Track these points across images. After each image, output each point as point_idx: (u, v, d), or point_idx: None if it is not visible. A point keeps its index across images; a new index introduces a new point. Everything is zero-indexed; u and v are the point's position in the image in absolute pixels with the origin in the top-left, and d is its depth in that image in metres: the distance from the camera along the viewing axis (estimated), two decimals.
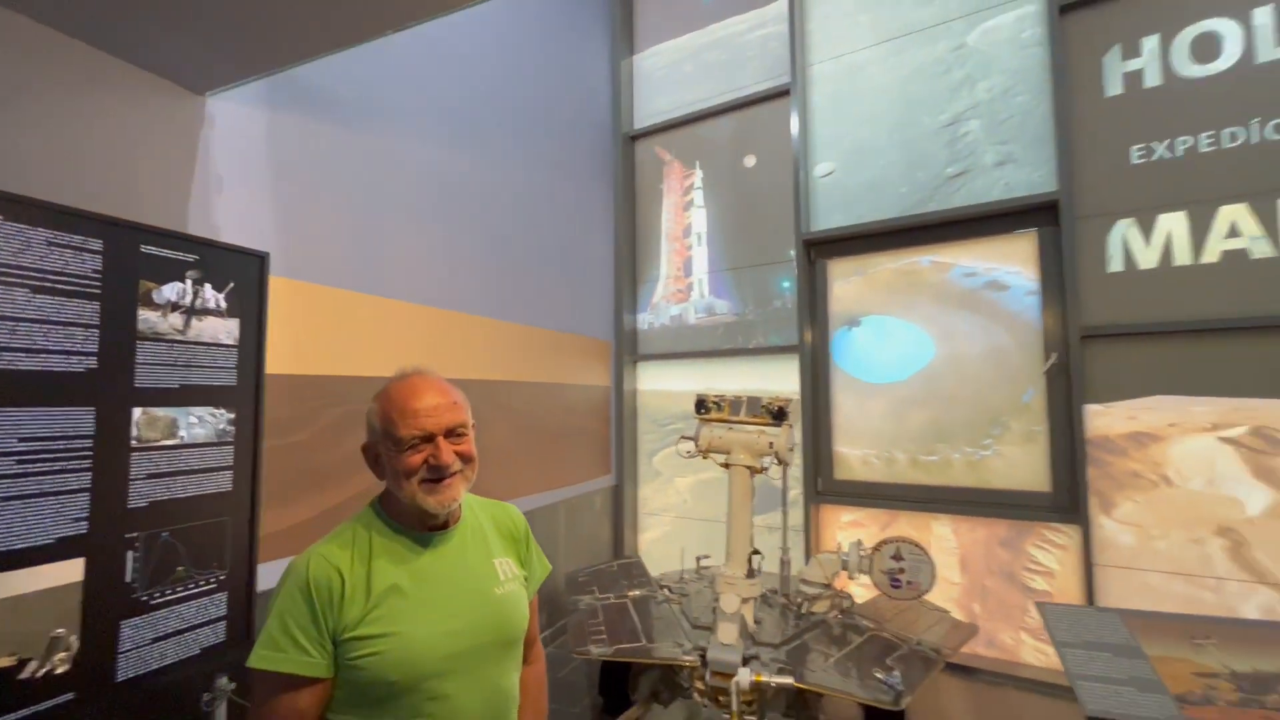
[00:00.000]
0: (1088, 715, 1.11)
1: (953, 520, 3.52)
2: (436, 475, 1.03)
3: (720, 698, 2.20)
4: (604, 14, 4.90)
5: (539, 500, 3.75)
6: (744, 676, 2.08)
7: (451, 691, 0.97)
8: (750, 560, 2.47)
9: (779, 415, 2.50)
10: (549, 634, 3.90)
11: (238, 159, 2.09)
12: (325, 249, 2.39)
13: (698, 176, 4.63)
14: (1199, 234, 2.98)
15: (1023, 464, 3.37)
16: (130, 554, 1.63)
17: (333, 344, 2.39)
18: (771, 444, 2.48)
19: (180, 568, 1.74)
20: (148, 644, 1.65)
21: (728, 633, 2.26)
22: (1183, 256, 3.02)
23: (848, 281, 3.96)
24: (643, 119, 4.89)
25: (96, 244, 1.57)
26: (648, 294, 4.84)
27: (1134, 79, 3.15)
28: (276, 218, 2.20)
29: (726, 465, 2.58)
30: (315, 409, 2.34)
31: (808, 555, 3.81)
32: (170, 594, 1.71)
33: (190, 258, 1.80)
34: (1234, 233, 2.91)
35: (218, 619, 1.83)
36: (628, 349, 4.75)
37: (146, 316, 1.68)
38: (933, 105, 3.68)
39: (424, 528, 1.07)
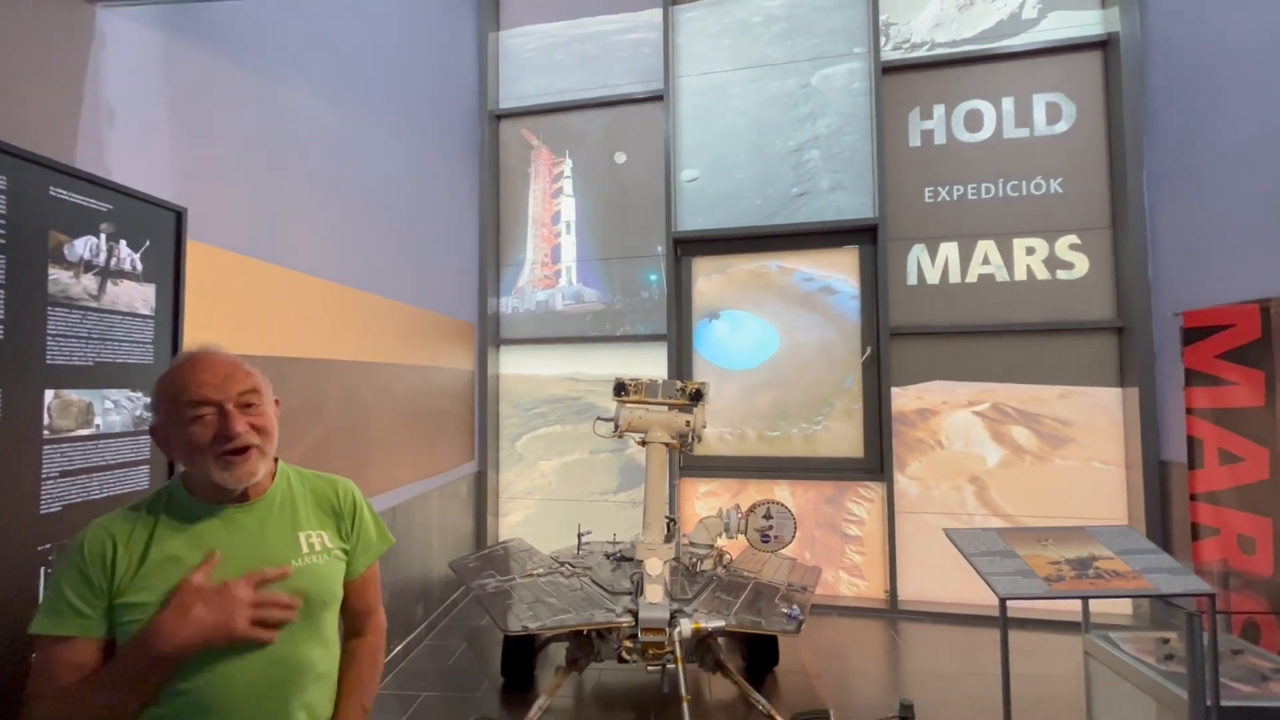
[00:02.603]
0: (1001, 597, 1.61)
1: (790, 484, 4.20)
2: (229, 446, 1.01)
3: (650, 651, 2.44)
4: None
5: (417, 489, 3.57)
6: (685, 626, 2.35)
7: (216, 661, 0.98)
8: (669, 527, 2.73)
9: (696, 396, 2.79)
10: (437, 616, 3.75)
11: (132, 89, 1.72)
12: (225, 208, 2.05)
13: (567, 165, 4.72)
14: (965, 260, 3.99)
15: (844, 436, 4.17)
16: (44, 571, 1.32)
17: (231, 317, 2.08)
18: (688, 422, 2.76)
19: None
20: None
21: (655, 593, 2.50)
22: (954, 276, 4.01)
23: (709, 278, 4.44)
24: (509, 99, 4.82)
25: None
26: (511, 278, 4.81)
27: (928, 136, 4.08)
28: (175, 166, 1.85)
29: (644, 443, 2.80)
30: None
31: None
32: None
33: (104, 207, 1.48)
34: (986, 261, 3.97)
35: None
36: (491, 332, 4.68)
37: (58, 277, 1.36)
38: (783, 132, 4.30)
39: (220, 501, 1.06)
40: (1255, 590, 2.66)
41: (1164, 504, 3.50)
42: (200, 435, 1.01)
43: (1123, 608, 3.66)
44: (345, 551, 1.17)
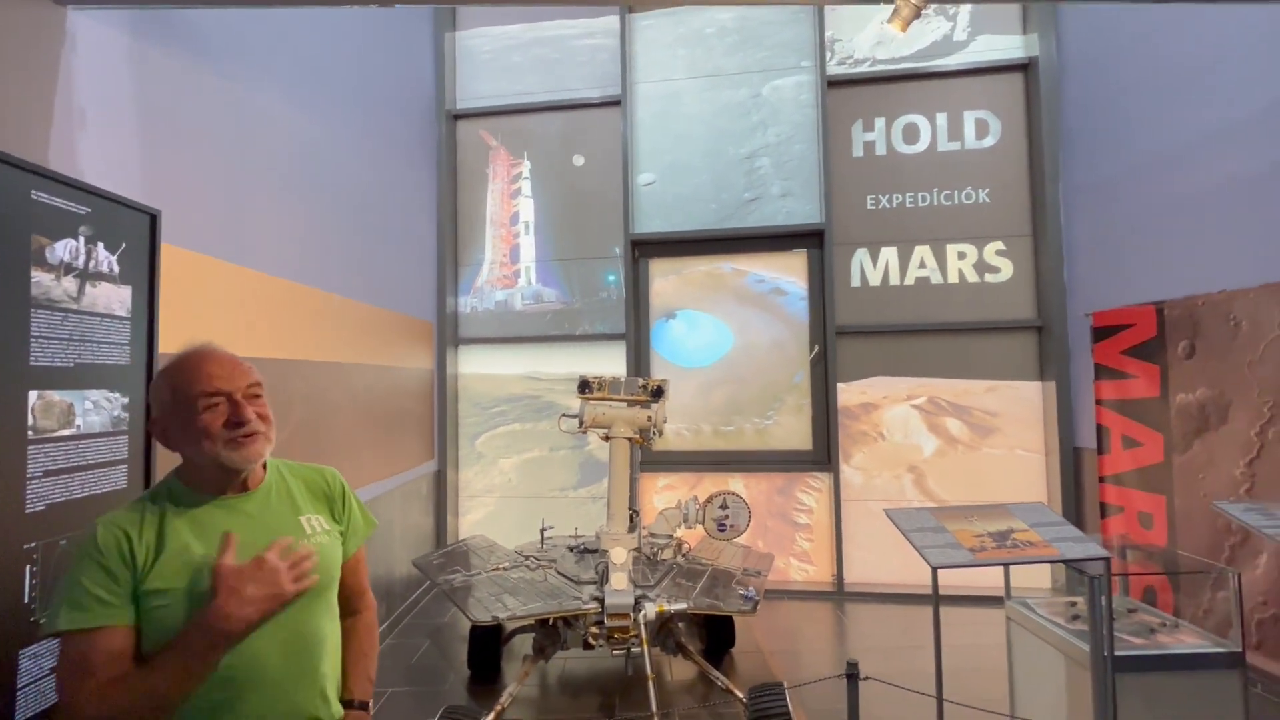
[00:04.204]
0: (933, 566, 1.81)
1: (744, 476, 4.40)
2: (240, 430, 1.08)
3: (615, 636, 2.56)
4: None
5: (378, 489, 3.59)
6: (650, 610, 2.48)
7: (247, 639, 1.04)
8: (631, 519, 2.86)
9: (657, 393, 2.93)
10: (400, 614, 3.77)
11: (102, 92, 1.72)
12: (193, 210, 2.06)
13: (526, 167, 4.79)
14: (903, 264, 4.28)
15: (794, 429, 4.40)
16: (29, 569, 1.34)
17: (200, 318, 2.08)
18: (650, 418, 2.90)
19: None
20: (46, 675, 1.38)
21: (620, 580, 2.62)
22: (894, 279, 4.29)
23: (666, 279, 4.59)
24: (466, 100, 4.84)
25: None
26: (470, 277, 4.83)
27: (870, 147, 4.34)
28: (144, 169, 1.86)
29: (607, 438, 2.92)
30: None
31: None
32: None
33: (83, 210, 1.49)
34: (922, 265, 4.26)
35: None
36: (450, 331, 4.69)
37: (39, 279, 1.37)
38: (736, 139, 4.49)
39: (222, 492, 1.12)
40: (1153, 559, 3.01)
41: (1077, 486, 3.87)
42: (212, 422, 1.06)
43: (1043, 581, 4.02)
44: (341, 533, 1.25)
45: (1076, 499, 3.87)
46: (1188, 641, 1.98)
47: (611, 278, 4.63)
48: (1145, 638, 2.01)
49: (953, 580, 3.92)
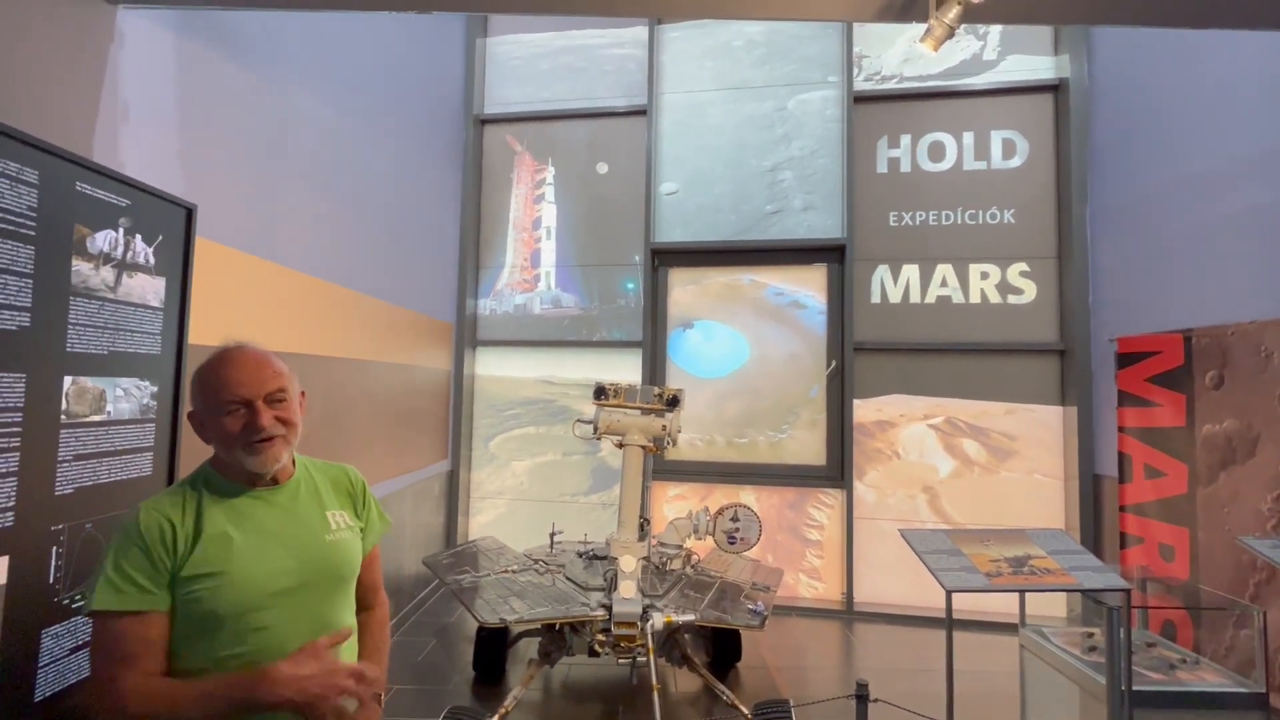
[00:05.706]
0: (947, 590, 1.79)
1: (756, 489, 4.37)
2: (255, 437, 1.11)
3: (622, 644, 2.55)
4: None
5: (391, 486, 3.62)
6: (657, 620, 2.47)
7: (274, 622, 1.08)
8: (642, 527, 2.86)
9: (672, 402, 2.93)
10: (408, 612, 3.79)
11: (146, 88, 1.77)
12: (227, 205, 2.10)
13: (550, 173, 4.83)
14: (925, 281, 4.25)
15: (808, 444, 4.36)
16: (55, 550, 1.37)
17: (230, 310, 2.12)
18: (664, 427, 2.90)
19: None
20: (66, 655, 1.41)
21: (629, 588, 2.62)
22: (915, 296, 4.26)
23: (685, 289, 4.60)
24: (494, 105, 4.90)
25: (32, 174, 1.29)
26: (490, 280, 4.88)
27: (894, 164, 4.33)
28: (182, 163, 1.91)
29: (621, 445, 2.93)
30: None
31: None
32: None
33: (123, 202, 1.53)
34: (944, 283, 4.23)
35: None
36: (469, 333, 4.73)
37: (79, 268, 1.41)
38: (759, 151, 4.50)
39: (253, 485, 1.16)
40: (1173, 593, 2.94)
41: (1097, 514, 3.79)
42: (232, 426, 1.11)
43: (1058, 610, 3.94)
44: (361, 530, 1.29)
45: (1095, 527, 3.79)
46: (1209, 680, 1.93)
47: (630, 285, 4.65)
48: (1164, 673, 1.96)
49: (965, 605, 3.86)
